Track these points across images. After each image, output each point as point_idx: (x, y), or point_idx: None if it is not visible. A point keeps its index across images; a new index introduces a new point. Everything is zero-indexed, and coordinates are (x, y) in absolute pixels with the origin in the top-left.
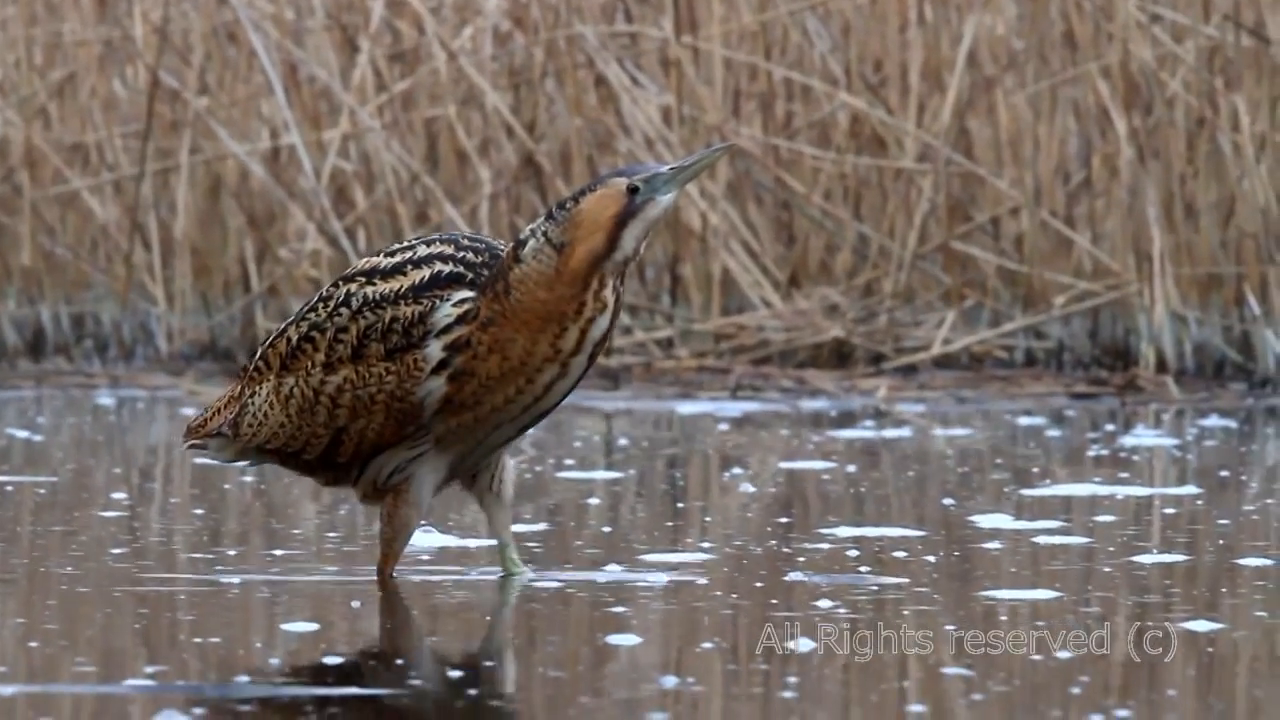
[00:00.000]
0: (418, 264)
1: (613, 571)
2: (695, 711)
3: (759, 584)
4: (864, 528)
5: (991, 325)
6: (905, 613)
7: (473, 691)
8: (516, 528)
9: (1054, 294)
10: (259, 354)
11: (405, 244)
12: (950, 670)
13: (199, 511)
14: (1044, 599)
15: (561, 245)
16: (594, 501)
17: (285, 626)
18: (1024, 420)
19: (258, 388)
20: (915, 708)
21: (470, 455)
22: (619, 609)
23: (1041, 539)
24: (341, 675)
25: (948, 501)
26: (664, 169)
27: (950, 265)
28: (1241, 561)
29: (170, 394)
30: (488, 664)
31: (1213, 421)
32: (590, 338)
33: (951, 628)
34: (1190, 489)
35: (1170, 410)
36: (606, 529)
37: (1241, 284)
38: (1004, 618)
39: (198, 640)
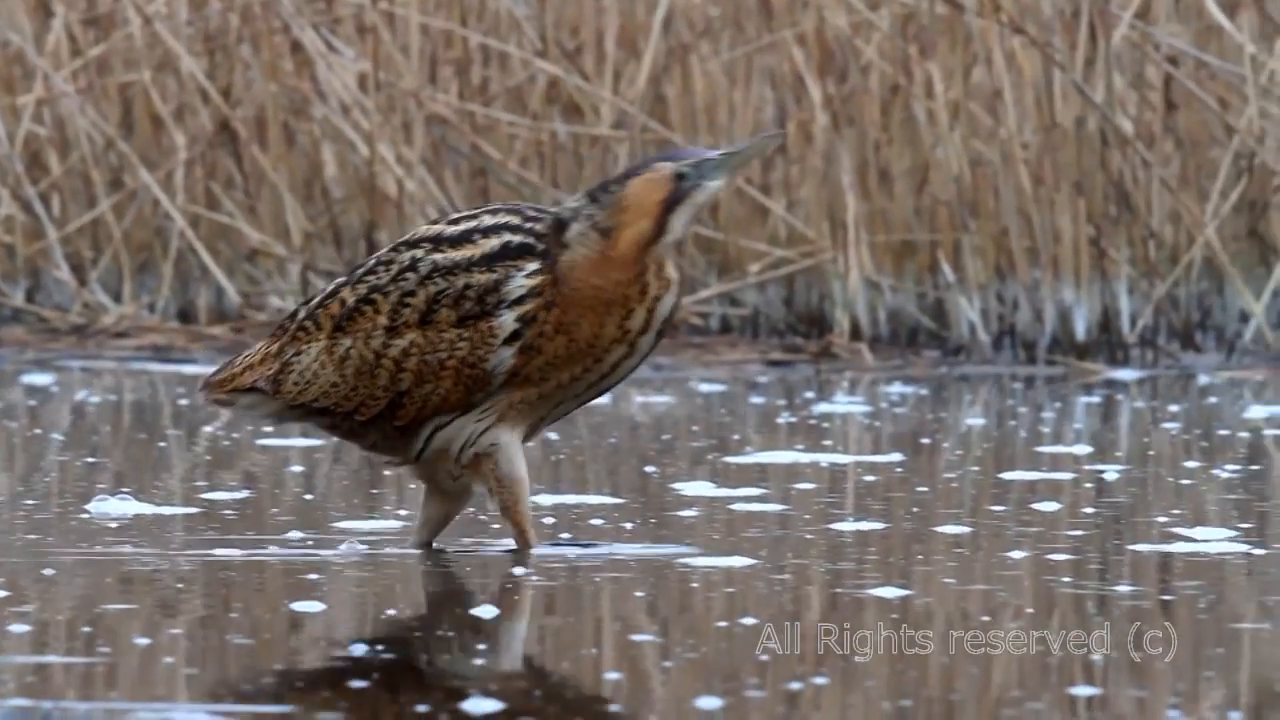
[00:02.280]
0: (486, 233)
1: (304, 540)
2: (385, 679)
3: (455, 551)
4: (562, 495)
5: (687, 292)
6: (599, 580)
7: (169, 660)
8: (216, 495)
9: (749, 261)
10: (304, 314)
11: (468, 212)
12: (641, 637)
13: None
14: (739, 566)
15: (607, 230)
16: (292, 469)
17: None
18: (720, 387)
19: (305, 347)
20: (611, 675)
21: (531, 429)
22: (311, 577)
23: (739, 506)
24: (30, 643)
25: (648, 469)
26: (713, 154)
27: None
28: (937, 529)
29: None
30: (176, 631)
31: (907, 389)
32: (658, 315)
33: (642, 595)
34: (886, 456)
35: (865, 377)
36: (309, 497)
37: (935, 251)
38: (696, 585)
39: None
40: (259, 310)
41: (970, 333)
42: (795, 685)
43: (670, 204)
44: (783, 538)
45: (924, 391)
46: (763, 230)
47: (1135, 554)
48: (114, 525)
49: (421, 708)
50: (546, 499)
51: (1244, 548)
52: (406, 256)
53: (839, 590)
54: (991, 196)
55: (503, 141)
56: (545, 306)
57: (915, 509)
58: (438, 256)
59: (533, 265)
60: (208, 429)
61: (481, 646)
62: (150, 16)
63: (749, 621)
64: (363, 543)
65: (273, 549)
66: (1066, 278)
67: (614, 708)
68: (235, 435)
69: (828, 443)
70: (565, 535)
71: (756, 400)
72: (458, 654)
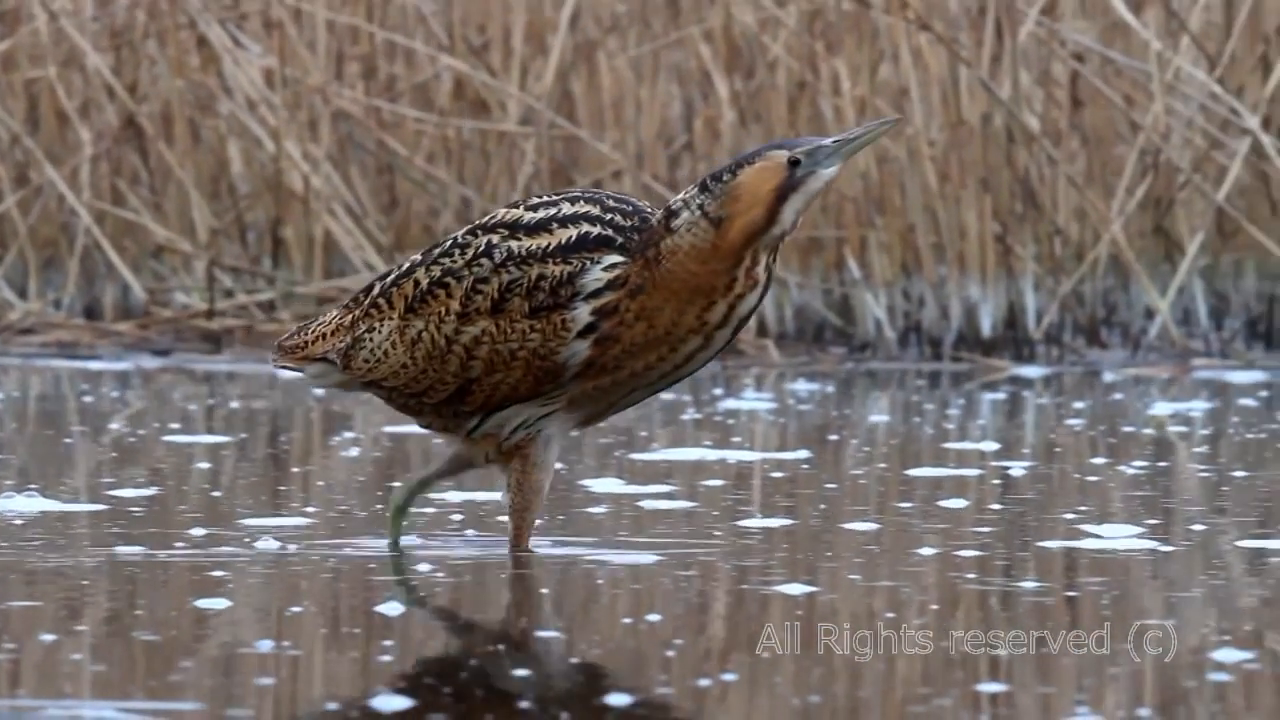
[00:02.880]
0: (563, 222)
1: (209, 536)
2: (293, 676)
3: (360, 548)
4: (471, 492)
5: None
6: (504, 576)
7: (76, 656)
8: (122, 493)
9: None
10: (377, 290)
11: (548, 198)
12: (549, 633)
13: None
14: (645, 562)
15: (719, 219)
16: (198, 466)
17: None
18: None
19: (376, 325)
20: (519, 672)
21: (597, 416)
22: (217, 574)
23: (647, 503)
24: None
25: (556, 466)
26: (827, 141)
27: None
28: (843, 525)
29: None
30: (82, 628)
31: (813, 385)
32: (738, 313)
33: (548, 591)
34: (792, 453)
35: (771, 374)
36: (216, 493)
37: (841, 248)
38: (602, 581)
39: None
40: (164, 307)
41: (876, 329)
42: (704, 682)
43: (783, 192)
44: (690, 534)
45: (830, 388)
46: None
47: (1041, 550)
48: (19, 522)
49: (330, 705)
50: (455, 495)
51: (1150, 544)
52: (482, 241)
53: (746, 587)
54: (898, 193)
55: (409, 138)
56: (630, 294)
57: (822, 505)
58: (513, 244)
59: (611, 258)
60: (114, 426)
61: (389, 644)
62: (56, 12)
63: (655, 618)
64: (275, 539)
65: (179, 546)
66: (972, 274)
67: (523, 704)
68: (141, 432)
69: (735, 439)
70: (470, 532)
71: (663, 396)
72: (365, 651)
